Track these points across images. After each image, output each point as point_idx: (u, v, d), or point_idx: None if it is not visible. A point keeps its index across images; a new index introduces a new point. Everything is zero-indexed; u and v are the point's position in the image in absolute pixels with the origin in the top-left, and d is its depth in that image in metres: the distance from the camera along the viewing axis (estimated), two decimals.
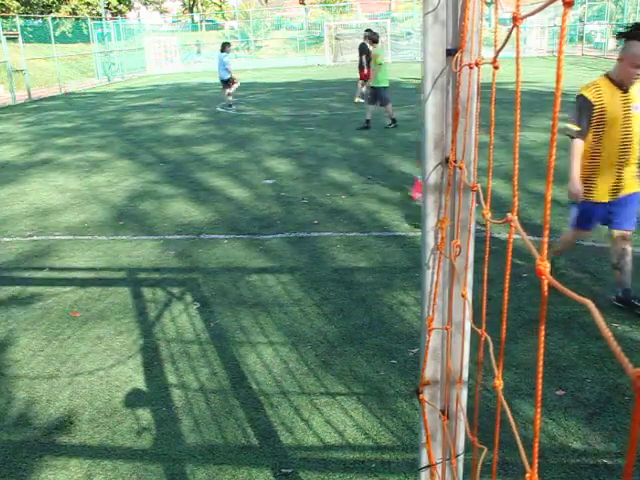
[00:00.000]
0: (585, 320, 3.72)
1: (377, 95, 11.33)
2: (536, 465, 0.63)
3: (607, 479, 2.47)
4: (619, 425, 2.78)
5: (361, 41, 15.28)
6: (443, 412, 1.58)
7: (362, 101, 14.63)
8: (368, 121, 11.42)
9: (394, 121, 11.45)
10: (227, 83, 15.30)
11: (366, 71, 14.06)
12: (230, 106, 15.34)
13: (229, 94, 15.35)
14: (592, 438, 2.71)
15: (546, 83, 17.07)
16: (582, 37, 31.08)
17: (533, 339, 3.57)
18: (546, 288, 0.56)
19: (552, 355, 3.37)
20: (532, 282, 4.28)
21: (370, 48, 12.45)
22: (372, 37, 12.06)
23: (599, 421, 2.82)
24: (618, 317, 3.73)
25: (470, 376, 1.59)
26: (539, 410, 0.62)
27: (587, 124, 3.55)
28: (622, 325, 3.65)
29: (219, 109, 15.54)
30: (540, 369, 0.60)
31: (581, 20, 31.21)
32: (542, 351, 0.59)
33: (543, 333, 0.55)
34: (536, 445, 0.64)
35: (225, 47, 15.42)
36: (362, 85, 14.76)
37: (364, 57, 14.12)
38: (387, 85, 11.39)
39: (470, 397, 1.66)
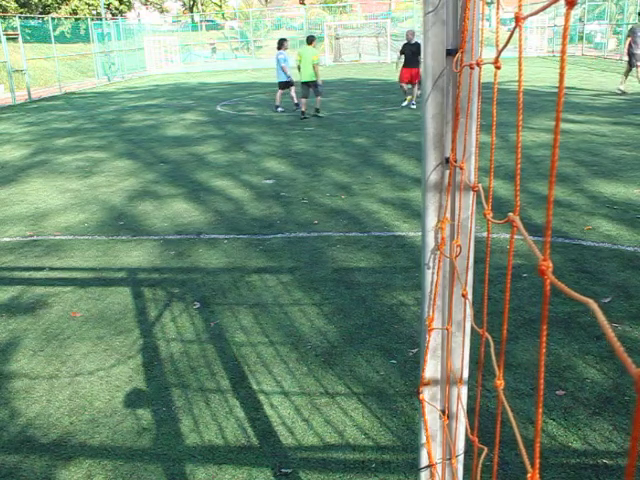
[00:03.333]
0: (585, 320, 3.72)
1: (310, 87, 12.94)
2: (538, 465, 0.63)
3: (607, 479, 2.47)
4: (619, 425, 2.78)
5: (405, 41, 14.09)
6: (443, 412, 1.58)
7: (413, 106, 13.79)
8: (303, 112, 12.92)
9: (303, 113, 13.01)
10: (286, 85, 13.81)
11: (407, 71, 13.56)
12: (297, 105, 13.80)
13: (293, 97, 14.03)
14: (592, 438, 2.71)
15: (546, 83, 17.08)
16: (582, 37, 31.11)
17: (533, 339, 3.57)
18: (548, 288, 0.56)
19: (552, 355, 3.37)
20: (532, 282, 4.28)
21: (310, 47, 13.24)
22: (309, 38, 13.38)
23: (599, 421, 2.82)
24: (618, 317, 3.73)
25: (469, 376, 1.59)
26: (540, 410, 0.62)
27: None
28: (622, 325, 3.65)
29: (219, 109, 15.54)
30: (542, 368, 0.60)
31: (581, 20, 31.23)
32: (544, 351, 0.59)
33: (545, 333, 0.55)
34: (537, 445, 0.64)
35: (282, 44, 13.83)
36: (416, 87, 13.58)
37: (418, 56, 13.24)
38: (307, 80, 12.94)
39: (469, 397, 1.66)
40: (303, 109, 12.88)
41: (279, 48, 13.94)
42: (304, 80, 12.94)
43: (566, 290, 0.52)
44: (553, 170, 0.51)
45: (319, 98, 13.07)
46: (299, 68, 13.10)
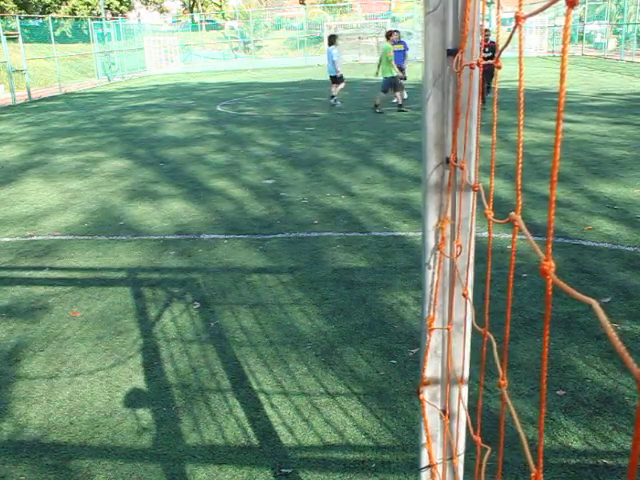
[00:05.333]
0: (585, 320, 3.72)
1: (391, 83, 13.16)
2: (541, 465, 0.63)
3: (607, 479, 2.47)
4: (619, 425, 2.78)
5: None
6: (444, 412, 1.58)
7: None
8: (377, 105, 13.16)
9: (400, 106, 13.23)
10: (336, 79, 14.15)
11: None
12: (335, 101, 14.37)
13: (333, 92, 14.35)
14: (592, 438, 2.71)
15: (546, 83, 17.07)
16: (582, 37, 31.11)
17: (533, 339, 3.57)
18: (550, 288, 0.56)
19: (552, 355, 3.37)
20: (532, 282, 4.28)
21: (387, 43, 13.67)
22: (387, 33, 13.92)
23: (599, 421, 2.82)
24: (618, 317, 3.73)
25: (469, 376, 1.59)
26: (543, 410, 0.62)
27: None
28: (622, 325, 3.65)
29: (219, 109, 15.53)
30: (545, 368, 0.60)
31: (581, 20, 31.23)
32: (546, 350, 0.59)
33: (548, 333, 0.55)
34: (541, 445, 0.64)
35: (334, 40, 14.15)
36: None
37: None
38: (384, 75, 13.25)
39: (469, 397, 1.66)
40: (377, 102, 13.17)
41: (331, 44, 14.18)
42: (382, 75, 13.25)
43: (568, 290, 0.52)
44: (555, 169, 0.51)
45: (397, 93, 13.17)
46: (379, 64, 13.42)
